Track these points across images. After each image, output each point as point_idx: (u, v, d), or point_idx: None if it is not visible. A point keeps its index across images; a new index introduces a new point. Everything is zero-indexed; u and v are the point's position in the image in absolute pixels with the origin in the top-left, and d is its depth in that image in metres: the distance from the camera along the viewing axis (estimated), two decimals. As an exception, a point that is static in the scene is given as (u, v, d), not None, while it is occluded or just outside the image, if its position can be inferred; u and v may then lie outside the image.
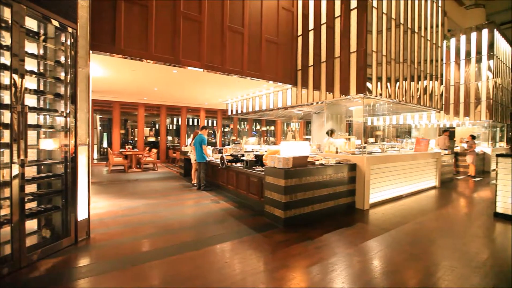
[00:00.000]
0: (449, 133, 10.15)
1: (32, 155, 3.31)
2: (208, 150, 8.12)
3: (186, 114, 14.23)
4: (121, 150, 11.47)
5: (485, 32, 11.50)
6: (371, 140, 11.99)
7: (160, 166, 11.98)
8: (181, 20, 5.57)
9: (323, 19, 6.60)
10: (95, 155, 12.74)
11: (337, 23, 6.24)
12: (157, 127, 14.11)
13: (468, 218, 4.80)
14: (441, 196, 6.57)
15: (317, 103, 6.90)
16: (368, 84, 5.65)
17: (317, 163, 4.86)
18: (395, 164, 6.12)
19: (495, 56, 11.39)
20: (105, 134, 14.03)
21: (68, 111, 3.35)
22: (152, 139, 13.94)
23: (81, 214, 3.51)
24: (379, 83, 5.97)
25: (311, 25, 7.00)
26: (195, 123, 15.30)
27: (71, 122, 3.37)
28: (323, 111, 8.21)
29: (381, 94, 6.01)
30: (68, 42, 3.34)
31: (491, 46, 11.35)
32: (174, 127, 15.19)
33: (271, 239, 3.66)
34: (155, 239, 3.65)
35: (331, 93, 6.38)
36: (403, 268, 2.93)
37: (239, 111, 10.93)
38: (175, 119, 14.95)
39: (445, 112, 12.04)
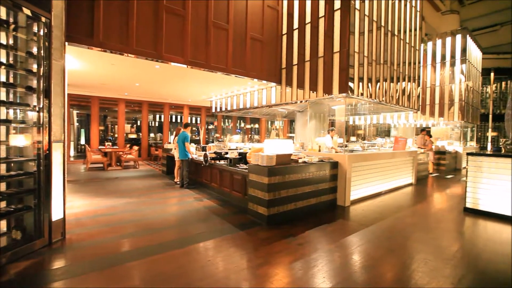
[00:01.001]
0: (426, 132, 10.55)
1: (1, 152, 3.10)
2: (192, 147, 8.01)
3: (169, 111, 13.93)
4: (100, 147, 11.04)
5: (458, 37, 12.12)
6: (353, 138, 12.34)
7: (142, 164, 11.66)
8: (164, 14, 5.42)
9: (308, 18, 6.68)
10: (72, 152, 12.18)
11: (321, 23, 6.33)
12: (138, 123, 13.72)
13: (440, 213, 5.07)
14: (417, 193, 6.89)
15: (301, 101, 6.99)
16: (350, 84, 5.80)
17: (300, 161, 4.93)
18: (375, 162, 6.34)
19: (467, 61, 12.05)
20: (82, 130, 13.44)
21: (41, 106, 3.17)
22: (133, 136, 13.54)
23: (56, 214, 3.34)
24: (360, 83, 6.14)
25: (295, 24, 7.05)
26: (179, 120, 15.02)
27: (45, 117, 3.19)
28: (306, 109, 8.33)
29: (362, 94, 6.18)
30: (41, 33, 3.16)
31: (463, 51, 11.99)
32: (157, 124, 14.83)
33: (254, 236, 3.68)
34: (135, 238, 3.56)
35: (315, 92, 6.47)
36: (381, 262, 3.05)
37: (223, 109, 10.85)
38: (157, 116, 14.60)
39: (422, 113, 12.60)
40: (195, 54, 5.99)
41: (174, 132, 7.67)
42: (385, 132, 17.55)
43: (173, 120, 14.94)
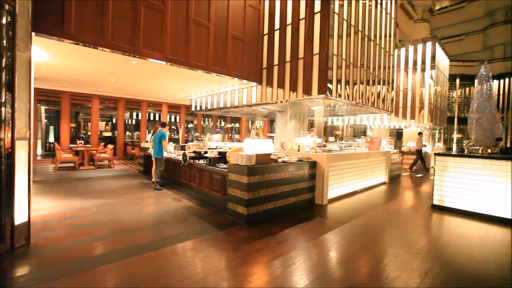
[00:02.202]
0: (422, 134, 11.34)
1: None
2: (170, 146, 7.82)
3: (147, 109, 13.48)
4: (72, 145, 10.43)
5: (429, 44, 12.88)
6: (331, 139, 12.69)
7: (117, 163, 11.19)
8: (142, 8, 5.24)
9: (289, 20, 6.76)
10: (39, 151, 11.40)
11: (302, 25, 6.44)
12: (114, 121, 13.13)
13: (410, 210, 5.36)
14: (390, 191, 7.23)
15: (281, 102, 7.06)
16: (329, 86, 5.96)
17: (279, 160, 4.98)
18: (351, 162, 6.56)
19: (436, 67, 12.84)
20: (51, 127, 12.63)
21: (3, 100, 2.93)
22: (108, 134, 12.94)
23: (19, 217, 3.11)
24: (339, 85, 6.32)
25: (277, 25, 7.12)
26: (157, 118, 14.59)
27: (7, 112, 2.96)
28: (286, 110, 8.44)
29: (340, 96, 6.37)
30: (4, 21, 2.92)
31: (433, 57, 12.77)
32: (134, 122, 14.30)
33: (233, 236, 3.67)
34: (109, 241, 3.41)
35: (295, 93, 6.58)
36: (356, 258, 3.16)
37: (203, 107, 10.70)
38: (134, 113, 14.07)
39: (395, 115, 13.25)
40: (175, 51, 5.85)
41: (152, 131, 7.44)
42: (361, 133, 18.24)
43: (151, 118, 14.49)
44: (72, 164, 9.56)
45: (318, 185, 5.53)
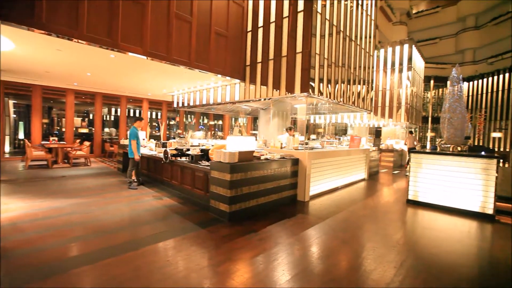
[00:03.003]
0: (410, 132, 11.91)
1: None
2: (151, 143, 7.61)
3: (126, 104, 13.02)
4: (44, 142, 9.86)
5: (406, 46, 13.41)
6: (313, 136, 12.92)
7: (94, 161, 10.74)
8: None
9: (272, 17, 6.77)
10: (7, 148, 10.68)
11: (285, 23, 6.47)
12: (91, 117, 12.56)
13: (387, 205, 5.59)
14: (369, 187, 7.50)
15: (264, 99, 7.09)
16: (312, 84, 6.05)
17: (262, 157, 5.00)
18: (332, 159, 6.73)
19: (412, 68, 13.41)
20: (21, 123, 11.86)
21: (-35, 93, 2.70)
22: (85, 130, 12.35)
23: (-15, 218, 2.90)
24: (321, 84, 6.44)
25: (260, 22, 7.11)
26: (137, 114, 14.13)
27: (-30, 106, 2.73)
28: (270, 107, 8.48)
29: (322, 94, 6.49)
30: (-35, 7, 2.69)
31: (410, 59, 13.31)
32: (112, 118, 13.75)
33: (216, 234, 3.65)
34: (84, 242, 3.27)
35: (278, 91, 6.62)
36: (336, 252, 3.26)
37: (186, 104, 10.50)
38: (113, 109, 13.53)
39: (374, 114, 13.72)
40: (156, 45, 5.69)
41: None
42: (342, 131, 18.74)
43: (131, 114, 14.01)
44: (45, 162, 9.05)
45: (300, 182, 5.61)
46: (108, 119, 13.59)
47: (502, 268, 3.02)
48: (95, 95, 11.87)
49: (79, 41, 4.69)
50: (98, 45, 4.91)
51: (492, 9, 23.28)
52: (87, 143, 9.76)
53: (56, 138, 9.60)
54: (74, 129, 11.53)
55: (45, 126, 11.22)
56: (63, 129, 11.44)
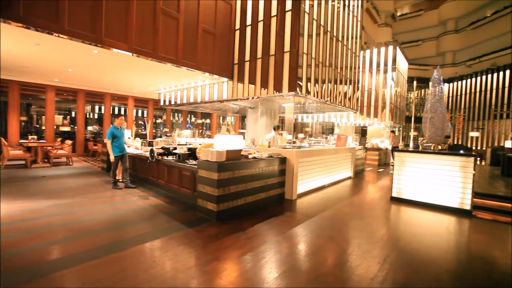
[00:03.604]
0: (395, 132, 12.42)
1: None
2: (137, 142, 7.44)
3: (111, 102, 12.65)
4: (22, 141, 9.43)
5: (390, 48, 13.77)
6: (301, 135, 13.05)
7: (77, 160, 10.38)
8: (103, -7, 4.87)
9: (261, 16, 6.77)
10: (-18, 147, 10.13)
11: (273, 22, 6.49)
12: (73, 115, 12.12)
13: (372, 203, 5.74)
14: (354, 185, 7.67)
15: (252, 98, 7.09)
16: (299, 83, 6.10)
17: (250, 156, 5.01)
18: (320, 158, 6.82)
19: (396, 69, 13.80)
20: (-3, 120, 11.27)
21: None
22: (67, 128, 11.90)
23: (-43, 221, 2.75)
24: (308, 83, 6.51)
25: (248, 21, 7.09)
26: (122, 112, 13.77)
27: None
28: (258, 106, 8.49)
29: (309, 93, 6.56)
30: None
31: (394, 60, 13.69)
32: (96, 116, 13.33)
33: (203, 233, 3.62)
34: (66, 244, 3.16)
35: (266, 89, 6.63)
36: (322, 249, 3.31)
37: (173, 102, 10.34)
38: (97, 107, 13.12)
39: (360, 113, 14.02)
40: (142, 41, 5.56)
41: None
42: (329, 130, 19.04)
43: (116, 112, 13.64)
44: (23, 162, 8.67)
45: (288, 181, 5.66)
46: (91, 117, 13.17)
47: (477, 261, 3.17)
48: (78, 92, 11.46)
49: (60, 35, 4.51)
50: (80, 40, 4.74)
51: (471, 14, 24.32)
52: (68, 142, 9.42)
53: (35, 137, 9.20)
54: (55, 127, 11.09)
55: (23, 124, 10.73)
56: (43, 127, 10.98)
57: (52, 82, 10.24)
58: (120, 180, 6.44)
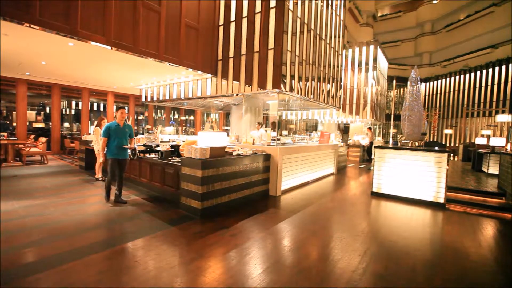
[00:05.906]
0: (371, 129, 13.05)
1: None
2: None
3: (89, 98, 12.12)
4: (-10, 138, 8.83)
5: (371, 47, 14.16)
6: (285, 132, 13.17)
7: (52, 158, 9.88)
8: (79, -18, 4.63)
9: (245, 12, 6.72)
10: None
11: (258, 18, 6.46)
12: (47, 110, 11.50)
13: (354, 198, 5.92)
14: (337, 181, 7.86)
15: (237, 95, 7.05)
16: (283, 80, 6.13)
17: (234, 153, 4.99)
18: (303, 154, 6.92)
19: (377, 68, 14.22)
20: (-38, 116, 10.47)
21: None
22: (41, 125, 11.28)
23: None
24: (292, 81, 6.56)
25: (233, 17, 7.01)
26: (101, 109, 13.25)
27: None
28: (242, 103, 8.46)
29: (293, 90, 6.62)
30: None
31: (375, 59, 14.10)
32: (73, 112, 12.72)
33: (187, 231, 3.58)
34: (41, 247, 3.01)
35: (250, 86, 6.62)
36: (306, 244, 3.37)
37: (155, 98, 10.07)
38: (74, 103, 12.52)
39: (343, 111, 14.34)
40: (121, 35, 5.35)
41: (96, 122, 6.71)
42: (313, 127, 19.34)
43: (95, 108, 13.10)
44: (-8, 160, 8.12)
45: (272, 177, 5.70)
46: (68, 113, 12.55)
47: (450, 250, 3.36)
48: (52, 87, 10.88)
49: (31, 26, 4.25)
50: (54, 31, 4.48)
51: (446, 16, 25.50)
52: (43, 139, 8.95)
53: (5, 134, 8.65)
54: (28, 123, 10.47)
55: (-9, 120, 10.05)
56: (14, 124, 10.34)
57: (23, 75, 9.63)
58: (100, 178, 6.21)
